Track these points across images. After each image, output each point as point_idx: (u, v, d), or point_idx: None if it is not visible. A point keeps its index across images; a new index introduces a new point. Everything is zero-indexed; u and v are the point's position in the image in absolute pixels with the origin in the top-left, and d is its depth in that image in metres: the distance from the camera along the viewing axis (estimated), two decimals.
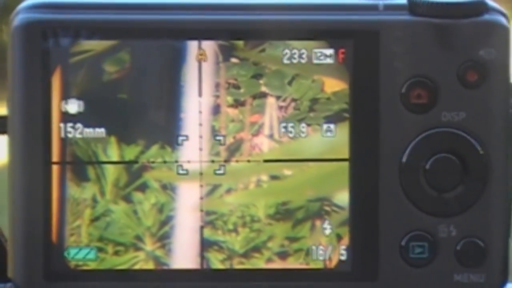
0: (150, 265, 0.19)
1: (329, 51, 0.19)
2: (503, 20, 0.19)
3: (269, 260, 0.19)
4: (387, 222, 0.19)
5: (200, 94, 0.19)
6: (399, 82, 0.19)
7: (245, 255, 0.19)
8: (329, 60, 0.19)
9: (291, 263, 0.19)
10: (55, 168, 0.19)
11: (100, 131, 0.19)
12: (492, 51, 0.19)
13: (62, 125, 0.19)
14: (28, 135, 0.19)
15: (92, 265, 0.19)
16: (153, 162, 0.19)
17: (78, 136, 0.19)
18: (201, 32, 0.19)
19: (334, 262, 0.19)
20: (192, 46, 0.19)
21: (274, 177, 0.19)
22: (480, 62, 0.19)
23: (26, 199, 0.19)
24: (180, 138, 0.19)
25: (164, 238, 0.19)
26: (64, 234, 0.19)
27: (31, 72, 0.19)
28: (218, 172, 0.19)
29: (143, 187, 0.19)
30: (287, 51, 0.19)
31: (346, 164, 0.19)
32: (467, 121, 0.19)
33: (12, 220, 0.19)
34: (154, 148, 0.19)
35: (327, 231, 0.19)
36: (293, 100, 0.19)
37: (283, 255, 0.19)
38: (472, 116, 0.19)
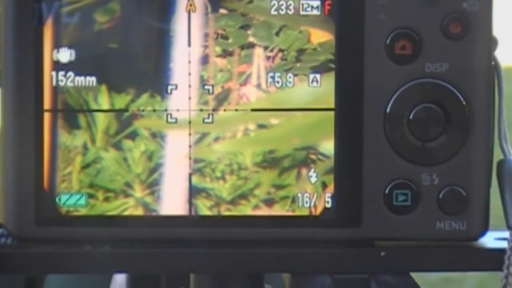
0: (139, 212, 0.19)
1: (316, 3, 0.19)
2: None
3: (255, 207, 0.19)
4: (371, 171, 0.19)
5: (189, 44, 0.19)
6: (383, 33, 0.19)
7: (232, 202, 0.19)
8: (315, 12, 0.19)
9: (277, 210, 0.19)
10: (46, 116, 0.19)
11: (91, 80, 0.19)
12: (476, 3, 0.19)
13: (53, 73, 0.19)
14: (20, 84, 0.19)
15: (82, 211, 0.19)
16: (143, 111, 0.19)
17: (69, 84, 0.19)
18: None
19: (319, 209, 0.19)
20: None
21: (261, 126, 0.19)
22: (463, 14, 0.19)
23: (18, 147, 0.19)
24: (170, 87, 0.19)
25: (153, 185, 0.19)
26: (55, 181, 0.19)
27: (23, 21, 0.19)
28: (206, 120, 0.19)
29: (133, 135, 0.19)
30: (274, 2, 0.19)
31: (331, 113, 0.19)
32: (450, 72, 0.19)
33: (4, 167, 0.19)
34: (144, 97, 0.19)
35: (313, 179, 0.19)
36: (280, 50, 0.19)
37: (269, 202, 0.19)
38: (455, 67, 0.19)
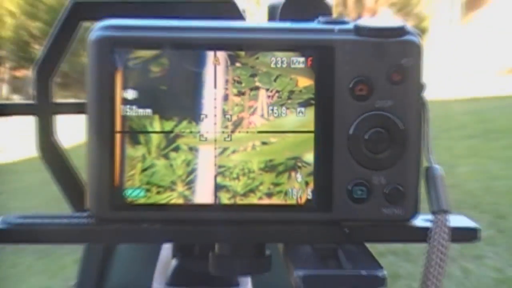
0: (180, 201, 0.25)
1: (302, 59, 0.25)
2: (417, 39, 0.25)
3: (260, 198, 0.25)
4: (339, 174, 0.25)
5: (215, 87, 0.25)
6: (348, 80, 0.25)
7: (244, 194, 0.25)
8: (301, 65, 0.25)
9: (275, 200, 0.25)
10: (117, 136, 0.25)
11: (148, 111, 0.25)
12: (410, 60, 0.25)
13: (122, 106, 0.24)
14: (100, 113, 0.25)
15: (141, 201, 0.25)
16: (183, 132, 0.25)
17: (133, 114, 0.25)
18: (216, 46, 0.25)
19: (303, 200, 0.25)
20: (210, 54, 0.25)
21: (264, 143, 0.25)
22: (402, 67, 0.25)
23: (98, 157, 0.25)
24: (201, 116, 0.25)
25: (190, 183, 0.25)
26: (124, 180, 0.25)
27: (102, 71, 0.24)
28: (226, 139, 0.25)
29: (176, 149, 0.25)
30: (273, 58, 0.25)
31: (312, 135, 0.25)
32: (393, 106, 0.25)
33: (89, 170, 0.25)
34: (184, 123, 0.25)
35: (299, 179, 0.25)
36: (277, 91, 0.25)
37: (269, 195, 0.25)
38: (397, 103, 0.25)
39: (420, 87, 0.25)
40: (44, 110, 0.29)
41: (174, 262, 0.32)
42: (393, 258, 1.84)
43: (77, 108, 0.29)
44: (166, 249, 0.33)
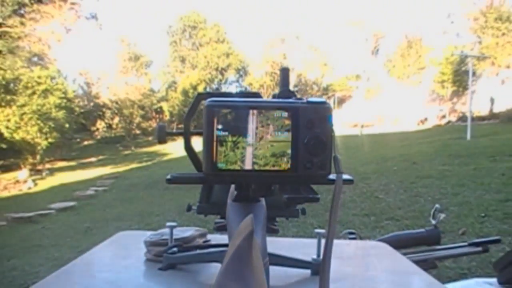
0: (238, 168, 0.57)
1: (286, 113, 0.60)
2: (330, 105, 0.62)
3: (270, 167, 0.60)
4: (301, 158, 0.61)
5: (252, 124, 0.62)
6: (304, 120, 0.60)
7: (264, 165, 0.56)
8: (286, 116, 0.61)
9: (276, 168, 0.58)
10: (215, 143, 0.55)
11: (226, 133, 0.60)
12: (328, 113, 0.63)
13: (216, 131, 0.61)
14: (208, 135, 0.56)
15: (224, 168, 0.57)
16: (240, 141, 0.61)
17: (221, 134, 0.60)
18: (253, 107, 0.60)
19: (287, 168, 0.57)
20: (250, 111, 0.62)
21: (271, 145, 0.60)
22: (324, 116, 0.62)
23: (208, 151, 0.61)
24: (247, 135, 0.58)
25: (242, 161, 0.61)
26: (217, 160, 0.54)
27: (209, 118, 0.60)
28: (256, 144, 0.62)
29: (237, 147, 0.61)
30: (275, 113, 0.61)
31: (290, 142, 0.59)
32: (321, 131, 0.59)
33: (204, 156, 0.63)
34: (240, 137, 0.58)
35: (285, 160, 0.60)
36: (276, 125, 0.60)
37: (274, 165, 0.58)
38: (323, 130, 0.60)
39: (332, 124, 0.63)
40: (187, 134, 0.69)
41: (235, 192, 0.72)
42: None
43: (199, 133, 0.68)
44: (232, 186, 0.73)
